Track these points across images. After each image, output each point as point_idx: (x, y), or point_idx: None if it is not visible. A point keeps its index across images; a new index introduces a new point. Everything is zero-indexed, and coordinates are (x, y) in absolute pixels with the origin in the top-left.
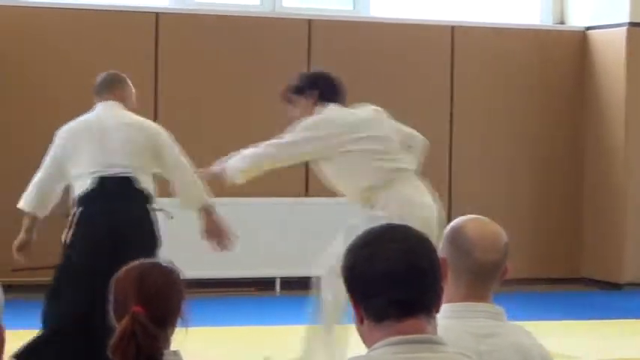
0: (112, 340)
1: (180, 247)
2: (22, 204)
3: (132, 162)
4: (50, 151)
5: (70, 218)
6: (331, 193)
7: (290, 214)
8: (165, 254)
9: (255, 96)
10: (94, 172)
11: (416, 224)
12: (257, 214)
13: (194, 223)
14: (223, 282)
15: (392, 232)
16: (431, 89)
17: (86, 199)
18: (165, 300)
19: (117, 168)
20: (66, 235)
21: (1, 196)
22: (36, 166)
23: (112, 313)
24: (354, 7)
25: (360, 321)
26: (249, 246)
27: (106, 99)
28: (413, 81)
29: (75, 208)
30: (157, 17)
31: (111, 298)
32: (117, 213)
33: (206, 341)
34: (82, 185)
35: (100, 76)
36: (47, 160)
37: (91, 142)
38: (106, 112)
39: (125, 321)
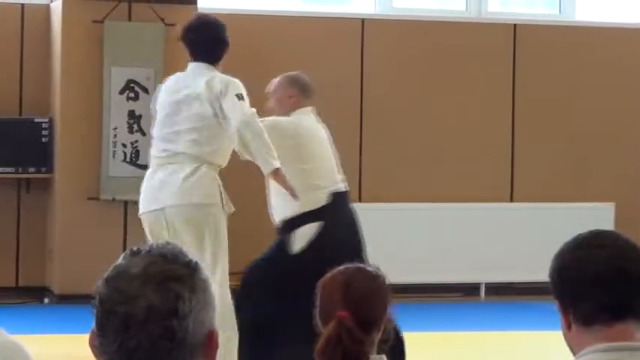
0: (318, 345)
1: (385, 252)
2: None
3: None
4: None
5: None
6: (536, 198)
7: (495, 220)
8: (376, 258)
9: (459, 100)
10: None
11: None
12: (462, 219)
13: (402, 228)
14: (429, 287)
15: (601, 237)
16: None
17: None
18: (370, 305)
19: (340, 184)
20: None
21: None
22: None
23: (317, 318)
24: (560, 12)
25: (568, 327)
26: (454, 251)
27: (310, 105)
28: (621, 86)
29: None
30: (363, 23)
31: (316, 302)
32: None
33: (410, 346)
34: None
35: (305, 79)
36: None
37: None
38: (316, 123)
39: (331, 325)
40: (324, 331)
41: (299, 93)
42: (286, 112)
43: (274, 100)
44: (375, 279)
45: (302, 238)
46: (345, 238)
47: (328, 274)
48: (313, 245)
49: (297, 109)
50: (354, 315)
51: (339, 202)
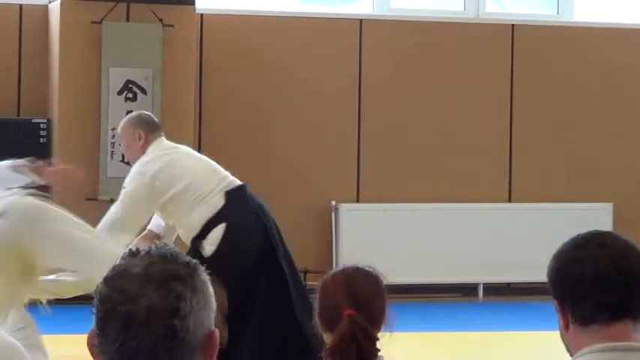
0: (330, 344)
1: (384, 252)
2: None
3: None
4: None
5: None
6: (534, 198)
7: (493, 220)
8: (370, 260)
9: (458, 100)
10: None
11: None
12: (460, 219)
13: (401, 229)
14: (427, 287)
15: (601, 237)
16: None
17: None
18: (372, 304)
19: (229, 181)
20: None
21: None
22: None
23: (318, 318)
24: (558, 12)
25: (566, 327)
26: (453, 252)
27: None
28: (620, 86)
29: None
30: (361, 23)
31: (316, 304)
32: None
33: (409, 347)
34: None
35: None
36: None
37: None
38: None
39: (343, 324)
40: (336, 330)
41: (145, 132)
42: (138, 155)
43: (124, 147)
44: (373, 278)
45: (211, 242)
46: (254, 227)
47: (327, 275)
48: (224, 244)
49: (147, 146)
50: (359, 313)
51: (236, 197)
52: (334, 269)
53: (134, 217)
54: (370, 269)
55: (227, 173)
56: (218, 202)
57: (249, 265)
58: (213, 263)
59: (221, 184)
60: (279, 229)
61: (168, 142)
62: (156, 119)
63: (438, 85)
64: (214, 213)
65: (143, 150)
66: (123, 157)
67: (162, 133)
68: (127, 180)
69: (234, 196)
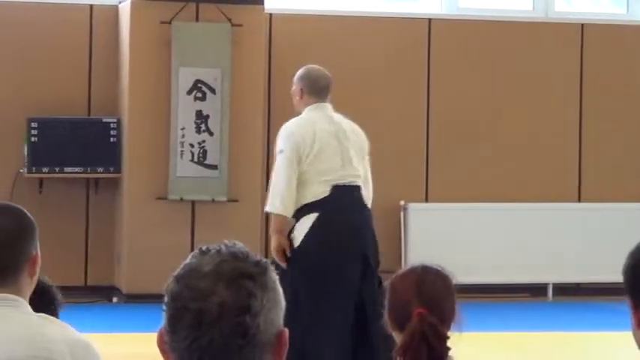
0: (401, 343)
1: (453, 252)
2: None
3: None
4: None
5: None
6: (604, 198)
7: (563, 220)
8: (439, 260)
9: (526, 100)
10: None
11: None
12: (530, 219)
13: (470, 228)
14: (496, 287)
15: None
16: None
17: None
18: (442, 303)
19: (345, 179)
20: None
21: None
22: None
23: (387, 318)
24: (628, 11)
25: (638, 325)
26: (522, 251)
27: (326, 100)
28: None
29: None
30: (430, 23)
31: (386, 302)
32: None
33: (478, 346)
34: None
35: (315, 73)
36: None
37: (332, 147)
38: (335, 115)
39: (414, 322)
40: (407, 328)
41: (306, 90)
42: (299, 109)
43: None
44: (443, 277)
45: (300, 231)
46: (345, 229)
47: (397, 274)
48: (310, 236)
49: (308, 105)
50: (429, 312)
51: (338, 195)
52: (403, 268)
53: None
54: (439, 268)
55: (352, 169)
56: (324, 191)
57: (336, 262)
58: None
59: (336, 178)
60: (375, 242)
61: (324, 114)
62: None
63: (507, 84)
64: (314, 200)
65: (304, 105)
66: (192, 156)
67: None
68: (280, 144)
69: (338, 192)
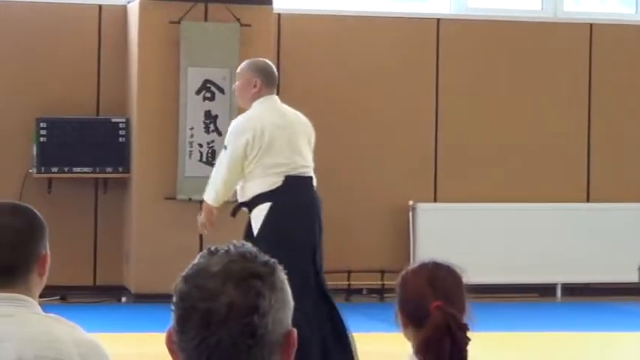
0: (422, 338)
1: (461, 252)
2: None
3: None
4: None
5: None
6: (613, 198)
7: (571, 220)
8: (451, 258)
9: (535, 100)
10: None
11: None
12: (538, 219)
13: (478, 228)
14: (504, 287)
15: None
16: None
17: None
18: (457, 296)
19: (300, 169)
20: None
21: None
22: None
23: (398, 316)
24: (636, 11)
25: None
26: (530, 252)
27: (273, 93)
28: None
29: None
30: (438, 23)
31: (396, 301)
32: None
33: (485, 346)
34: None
35: (268, 66)
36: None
37: (282, 140)
38: (283, 106)
39: (435, 316)
40: (428, 323)
41: (262, 82)
42: (249, 102)
43: (236, 86)
44: (454, 273)
45: (255, 219)
46: (297, 218)
47: (408, 270)
48: (265, 224)
49: (259, 98)
50: (447, 305)
51: (290, 185)
52: (411, 265)
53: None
54: (450, 264)
55: (302, 159)
56: (276, 181)
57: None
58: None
59: (291, 169)
60: (321, 231)
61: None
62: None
63: (515, 84)
64: (268, 190)
65: (254, 98)
66: (201, 156)
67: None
68: (227, 140)
69: (292, 181)
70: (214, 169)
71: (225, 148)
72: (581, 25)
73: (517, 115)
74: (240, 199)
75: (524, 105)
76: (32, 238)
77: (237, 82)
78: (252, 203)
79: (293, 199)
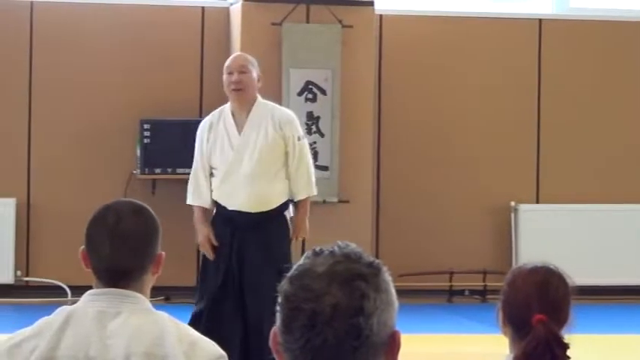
0: (523, 350)
1: (564, 253)
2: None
3: None
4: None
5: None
6: None
7: None
8: (553, 260)
9: (638, 101)
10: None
11: None
12: None
13: (581, 229)
14: (605, 289)
15: None
16: None
17: None
18: (562, 308)
19: None
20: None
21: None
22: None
23: (501, 313)
24: None
25: None
26: (633, 253)
27: None
28: None
29: None
30: (540, 23)
31: (503, 295)
32: None
33: (585, 348)
34: None
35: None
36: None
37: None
38: None
39: (539, 330)
40: (531, 336)
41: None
42: (254, 95)
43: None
44: (565, 281)
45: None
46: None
47: (520, 270)
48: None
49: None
50: (549, 318)
51: None
52: (523, 266)
53: None
54: (562, 271)
55: None
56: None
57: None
58: None
59: None
60: None
61: None
62: None
63: (619, 85)
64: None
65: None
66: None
67: None
68: (300, 131)
69: None
70: (308, 164)
71: (300, 139)
72: None
73: (621, 116)
74: (284, 200)
75: (629, 105)
76: (151, 242)
77: (252, 74)
78: (285, 205)
79: None
